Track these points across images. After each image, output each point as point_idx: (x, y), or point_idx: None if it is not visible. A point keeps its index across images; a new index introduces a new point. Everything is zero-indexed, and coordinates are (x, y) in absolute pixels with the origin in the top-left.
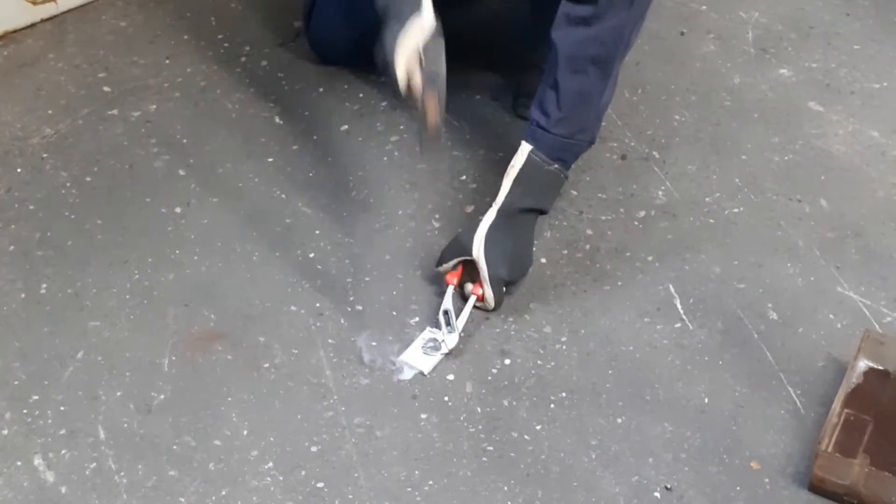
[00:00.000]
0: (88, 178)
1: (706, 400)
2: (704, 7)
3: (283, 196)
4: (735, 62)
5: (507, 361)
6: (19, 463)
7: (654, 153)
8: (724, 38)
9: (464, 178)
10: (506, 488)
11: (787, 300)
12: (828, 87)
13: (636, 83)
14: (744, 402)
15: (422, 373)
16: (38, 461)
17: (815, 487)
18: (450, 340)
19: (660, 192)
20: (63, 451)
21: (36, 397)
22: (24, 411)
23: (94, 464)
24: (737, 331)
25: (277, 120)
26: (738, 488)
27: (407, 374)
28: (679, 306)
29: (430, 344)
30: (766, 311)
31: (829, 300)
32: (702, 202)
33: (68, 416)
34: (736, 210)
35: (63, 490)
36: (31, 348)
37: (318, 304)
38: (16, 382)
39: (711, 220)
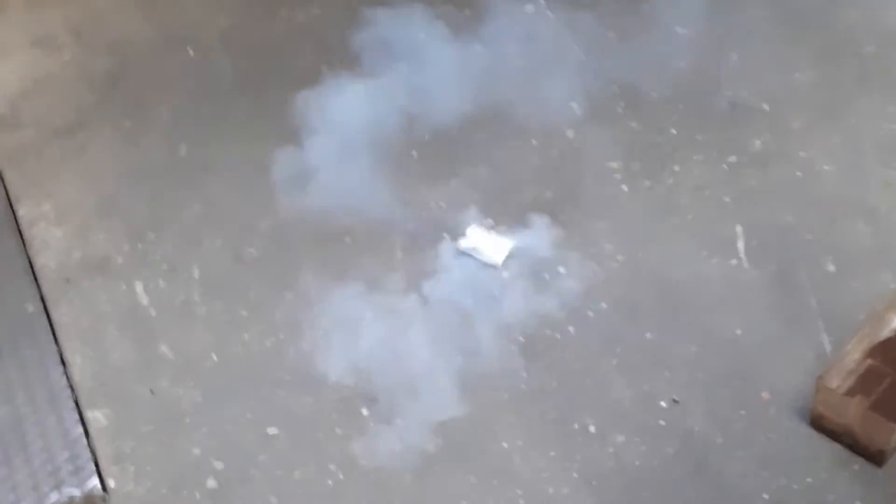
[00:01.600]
0: (246, 66)
1: (738, 332)
2: None
3: None
4: (877, 32)
5: (562, 269)
6: (124, 286)
7: (764, 105)
8: (873, 8)
9: None
10: (525, 374)
11: (850, 256)
12: None
13: (765, 38)
14: (774, 339)
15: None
16: (139, 287)
17: (815, 422)
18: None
19: (757, 142)
20: (161, 282)
21: (152, 235)
22: (139, 246)
23: (183, 296)
24: (789, 276)
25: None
26: (741, 412)
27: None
28: (740, 246)
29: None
30: (826, 262)
31: (892, 263)
32: (795, 156)
33: (173, 255)
34: (826, 167)
35: (153, 312)
36: (159, 194)
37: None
38: (138, 221)
39: (799, 174)
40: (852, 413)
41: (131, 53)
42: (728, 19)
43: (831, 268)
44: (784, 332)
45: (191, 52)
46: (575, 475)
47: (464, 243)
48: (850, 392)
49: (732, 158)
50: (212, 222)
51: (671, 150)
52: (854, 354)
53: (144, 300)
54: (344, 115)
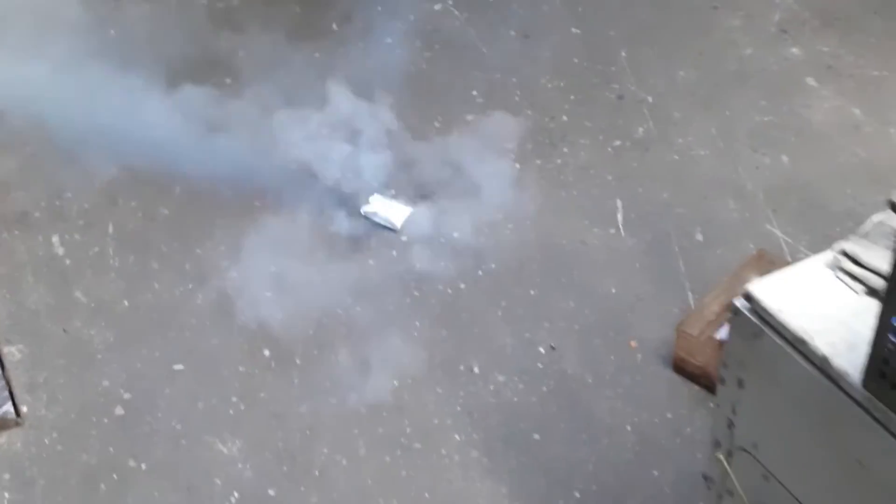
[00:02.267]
0: None
1: (613, 290)
2: None
3: None
4: (753, 37)
5: (456, 235)
6: (40, 238)
7: (649, 98)
8: (752, 16)
9: None
10: (417, 323)
11: (717, 228)
12: (829, 68)
13: (653, 40)
14: (645, 296)
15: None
16: (55, 239)
17: (676, 366)
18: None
19: (640, 129)
20: (77, 236)
21: (69, 195)
22: (57, 203)
23: (98, 248)
24: (662, 244)
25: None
26: (612, 358)
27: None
28: (620, 218)
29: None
30: (695, 233)
31: (755, 234)
32: (674, 142)
33: (89, 212)
34: (702, 153)
35: (67, 262)
36: (77, 157)
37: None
38: (57, 180)
39: (676, 157)
40: (708, 356)
41: None
42: (619, 23)
43: (699, 237)
44: (654, 290)
45: None
46: (458, 409)
47: (366, 208)
48: (708, 338)
49: (617, 143)
50: (126, 185)
51: (562, 134)
52: (713, 307)
53: (60, 251)
54: None
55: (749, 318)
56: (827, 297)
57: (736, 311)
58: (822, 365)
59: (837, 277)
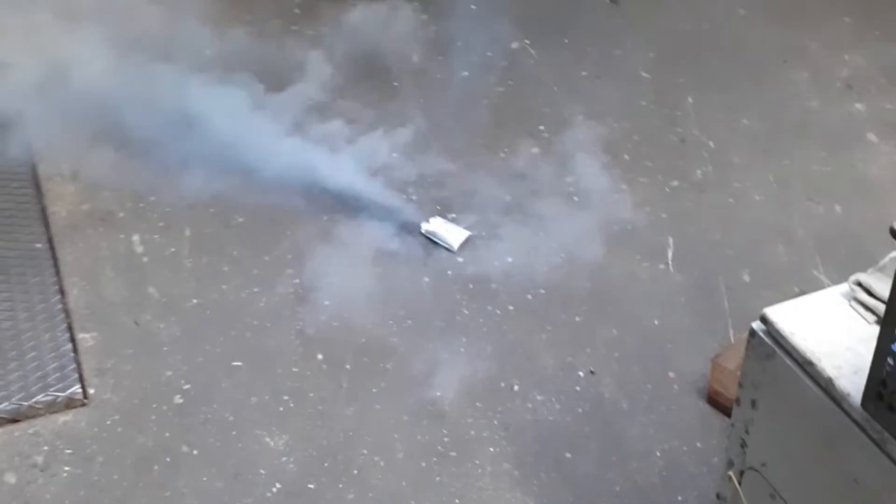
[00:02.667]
0: None
1: (656, 322)
2: (815, 45)
3: None
4: (819, 91)
5: (510, 259)
6: (122, 236)
7: (710, 143)
8: (820, 71)
9: None
10: (464, 339)
11: (765, 271)
12: (892, 125)
13: (721, 88)
14: (687, 330)
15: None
16: (135, 237)
17: (711, 399)
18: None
19: (699, 172)
20: (156, 236)
21: (153, 198)
22: (141, 205)
23: (174, 249)
24: (709, 282)
25: None
26: (648, 386)
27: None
28: (670, 254)
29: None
30: (742, 274)
31: (801, 279)
32: (731, 186)
33: (169, 215)
34: (757, 198)
35: (144, 259)
36: (162, 163)
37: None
38: (142, 186)
39: (731, 200)
40: None
41: None
42: (689, 71)
43: (746, 278)
44: (696, 325)
45: None
46: (495, 422)
47: (426, 227)
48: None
49: (675, 183)
50: (207, 193)
51: (622, 171)
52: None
53: (139, 249)
54: None
55: (763, 340)
56: (838, 324)
57: (752, 333)
58: (826, 386)
59: (851, 306)
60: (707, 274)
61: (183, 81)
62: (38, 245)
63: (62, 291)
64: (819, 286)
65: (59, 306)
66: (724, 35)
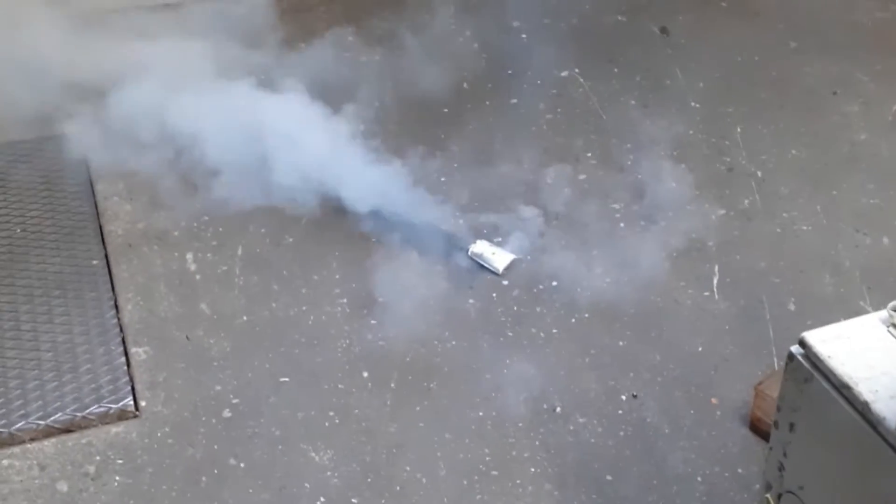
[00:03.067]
0: None
1: (700, 349)
2: (866, 78)
3: None
4: (868, 123)
5: (555, 283)
6: (176, 254)
7: (758, 172)
8: (870, 103)
9: None
10: (508, 361)
11: (810, 300)
12: None
13: (771, 119)
14: (731, 358)
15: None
16: (189, 256)
17: (753, 426)
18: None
19: (746, 201)
20: (208, 255)
21: (206, 218)
22: (195, 224)
23: (226, 267)
24: (754, 310)
25: None
26: (691, 412)
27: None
28: (715, 282)
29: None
30: (788, 303)
31: (847, 309)
32: (778, 215)
33: (222, 234)
34: (804, 228)
35: (197, 277)
36: (221, 183)
37: None
38: (198, 206)
39: (778, 230)
40: None
41: None
42: (738, 101)
43: (792, 307)
44: (740, 353)
45: None
46: (537, 443)
47: (473, 249)
48: None
49: (721, 212)
50: (259, 213)
51: (670, 199)
52: None
53: (192, 267)
54: None
55: (802, 364)
56: (876, 349)
57: (791, 357)
58: (863, 410)
59: (889, 332)
60: (752, 302)
61: (238, 101)
62: (95, 262)
63: (117, 307)
64: None
65: (114, 321)
66: (773, 66)
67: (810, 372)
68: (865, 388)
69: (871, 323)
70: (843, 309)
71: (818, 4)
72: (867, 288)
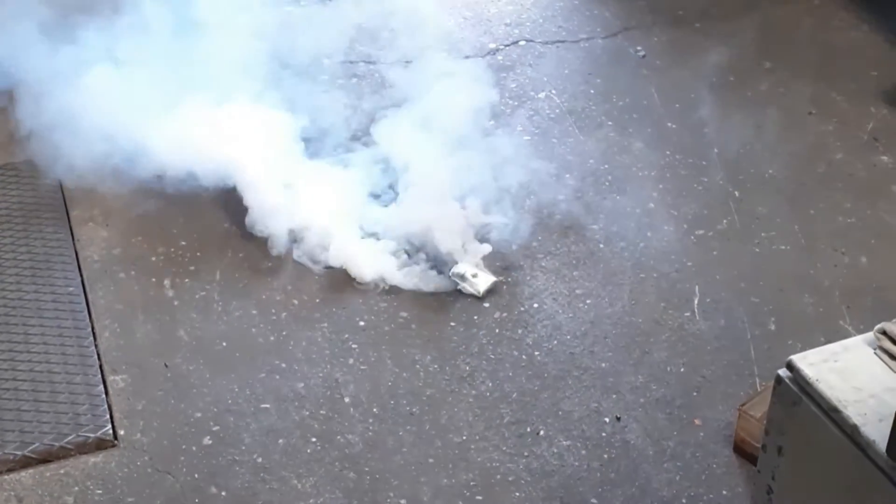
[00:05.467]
0: None
1: (682, 370)
2: (841, 98)
3: None
4: (844, 143)
5: (535, 306)
6: (154, 279)
7: (736, 192)
8: (846, 123)
9: None
10: (490, 384)
11: (790, 319)
12: None
13: (746, 140)
14: (713, 378)
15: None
16: (166, 282)
17: (737, 447)
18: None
19: (724, 221)
20: (186, 280)
21: (183, 243)
22: (172, 249)
23: (204, 293)
24: (734, 330)
25: None
26: (674, 433)
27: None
28: (696, 302)
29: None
30: (768, 322)
31: (827, 328)
32: (757, 235)
33: (198, 259)
34: (783, 247)
35: (176, 303)
36: (197, 211)
37: None
38: (175, 230)
39: (757, 250)
40: None
41: None
42: (715, 122)
43: (772, 327)
44: (722, 373)
45: None
46: (521, 467)
47: (454, 270)
48: None
49: (700, 232)
50: (237, 238)
51: (648, 219)
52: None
53: (170, 293)
54: None
55: (790, 387)
56: (864, 372)
57: (779, 380)
58: (852, 433)
59: (876, 354)
60: (733, 322)
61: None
62: (71, 289)
63: (94, 334)
64: (845, 335)
65: (91, 349)
66: (749, 87)
67: (798, 395)
68: (854, 412)
69: (857, 345)
70: (823, 328)
71: (791, 25)
72: (846, 307)
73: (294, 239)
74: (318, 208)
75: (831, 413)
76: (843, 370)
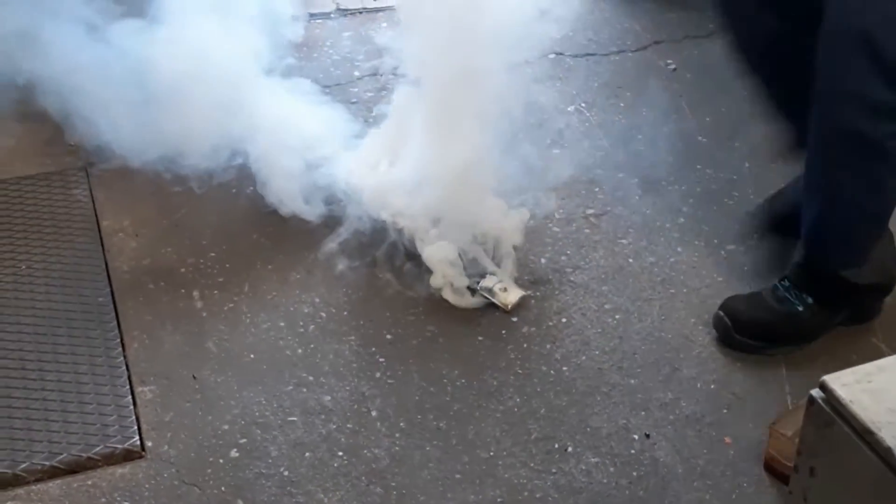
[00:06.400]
0: None
1: (713, 387)
2: None
3: None
4: None
5: (564, 320)
6: (183, 291)
7: None
8: None
9: None
10: (518, 400)
11: (823, 338)
12: None
13: (777, 154)
14: (744, 396)
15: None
16: (195, 293)
17: (767, 465)
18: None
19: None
20: (215, 292)
21: (213, 254)
22: (201, 261)
23: (233, 304)
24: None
25: None
26: (704, 451)
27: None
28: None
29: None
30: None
31: (860, 347)
32: None
33: (228, 271)
34: None
35: (204, 314)
36: (225, 222)
37: None
38: (204, 241)
39: None
40: None
41: None
42: (746, 135)
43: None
44: (753, 391)
45: None
46: (548, 483)
47: (483, 284)
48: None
49: (730, 247)
50: (265, 250)
51: (679, 234)
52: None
53: (199, 304)
54: None
55: (823, 408)
56: None
57: (811, 401)
58: (886, 456)
59: None
60: None
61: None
62: (101, 299)
63: (123, 345)
64: (878, 354)
65: (120, 360)
66: None
67: (832, 416)
68: (888, 434)
69: (891, 366)
70: (855, 346)
71: None
72: (879, 325)
73: None
74: None
75: (865, 435)
76: (877, 391)
